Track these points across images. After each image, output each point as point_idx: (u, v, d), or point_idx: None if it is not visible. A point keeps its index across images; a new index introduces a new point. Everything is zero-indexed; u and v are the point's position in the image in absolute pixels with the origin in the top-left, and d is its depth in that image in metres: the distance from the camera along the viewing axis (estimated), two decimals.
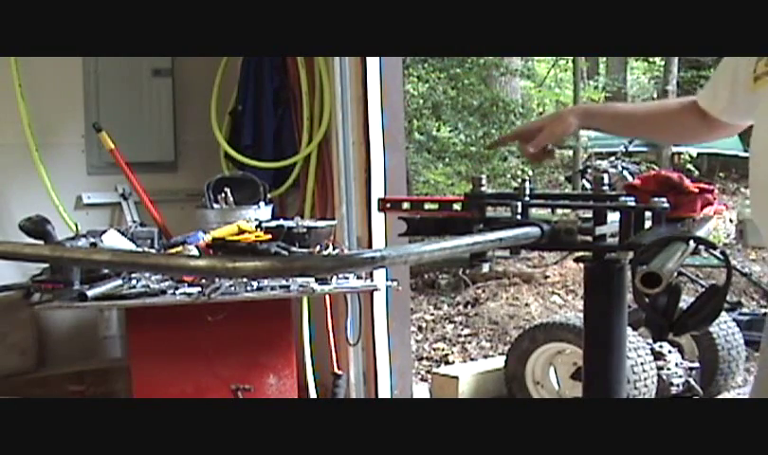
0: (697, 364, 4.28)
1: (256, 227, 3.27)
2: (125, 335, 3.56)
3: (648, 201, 1.57)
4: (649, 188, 1.63)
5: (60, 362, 3.81)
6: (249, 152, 4.00)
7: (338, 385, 3.69)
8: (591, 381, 1.70)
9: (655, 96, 13.27)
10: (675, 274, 1.30)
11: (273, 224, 3.36)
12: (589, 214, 1.60)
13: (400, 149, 3.90)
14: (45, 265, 2.96)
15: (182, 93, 4.16)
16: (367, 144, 3.62)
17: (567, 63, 12.97)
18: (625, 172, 7.77)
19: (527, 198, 1.62)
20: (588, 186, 7.63)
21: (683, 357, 4.25)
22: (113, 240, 3.24)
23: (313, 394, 3.77)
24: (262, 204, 3.70)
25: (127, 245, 3.31)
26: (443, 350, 5.71)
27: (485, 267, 6.51)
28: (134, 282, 2.94)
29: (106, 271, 2.87)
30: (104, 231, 3.35)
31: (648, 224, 1.56)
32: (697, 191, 1.64)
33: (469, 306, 6.53)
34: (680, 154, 10.70)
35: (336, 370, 3.72)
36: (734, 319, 4.64)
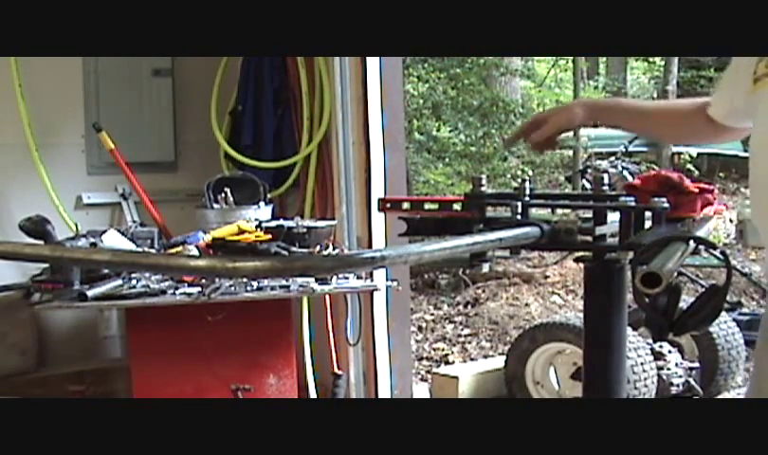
0: (697, 364, 4.28)
1: (256, 227, 3.27)
2: (125, 335, 3.57)
3: (648, 201, 1.57)
4: (649, 188, 1.63)
5: (60, 362, 3.81)
6: (249, 152, 4.00)
7: (338, 385, 3.69)
8: (591, 381, 1.70)
9: (655, 96, 13.26)
10: (675, 274, 1.30)
11: (273, 224, 3.36)
12: (589, 214, 1.60)
13: (400, 149, 3.90)
14: (45, 265, 2.96)
15: (182, 93, 4.16)
16: (367, 144, 3.62)
17: (567, 63, 12.97)
18: (625, 173, 7.78)
19: (527, 198, 1.61)
20: (588, 186, 7.63)
21: (683, 357, 4.25)
22: (113, 240, 3.24)
23: (313, 394, 3.77)
24: (262, 204, 3.70)
25: (127, 245, 3.31)
26: (443, 350, 5.71)
27: (485, 267, 6.51)
28: (134, 282, 2.94)
29: (106, 271, 2.87)
30: (104, 231, 3.35)
31: (648, 224, 1.56)
32: (697, 191, 1.64)
33: (469, 306, 6.53)
34: (680, 154, 10.69)
35: (336, 370, 3.72)
36: (734, 319, 4.63)
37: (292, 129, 4.02)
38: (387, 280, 3.42)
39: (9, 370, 3.61)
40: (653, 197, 1.56)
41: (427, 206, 1.71)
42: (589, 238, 1.55)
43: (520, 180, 1.79)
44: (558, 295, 6.72)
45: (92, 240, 3.10)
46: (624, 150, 8.51)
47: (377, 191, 3.60)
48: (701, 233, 1.55)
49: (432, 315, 6.44)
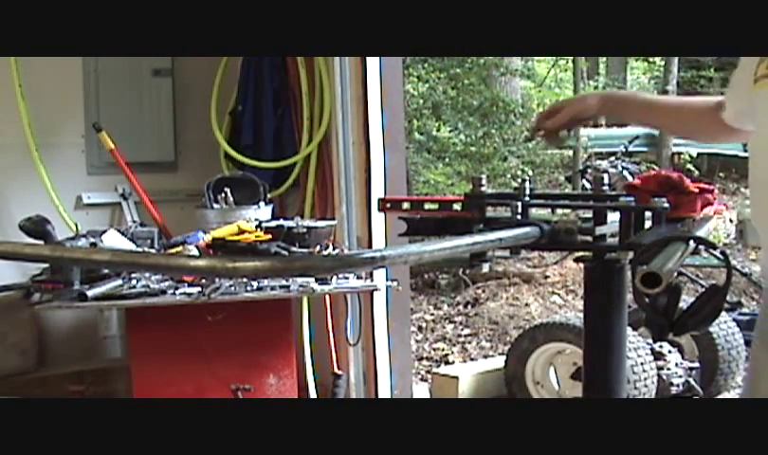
0: (697, 364, 4.28)
1: (256, 227, 3.27)
2: (125, 335, 3.57)
3: (648, 201, 1.57)
4: (649, 188, 1.63)
5: (60, 362, 3.81)
6: (249, 152, 4.00)
7: (338, 385, 3.69)
8: (591, 381, 1.70)
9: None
10: (675, 274, 1.30)
11: (273, 224, 3.36)
12: (589, 214, 1.60)
13: (400, 149, 3.90)
14: (45, 265, 2.96)
15: (182, 93, 4.16)
16: (367, 144, 3.62)
17: (567, 63, 12.97)
18: (625, 172, 7.78)
19: (527, 198, 1.62)
20: (588, 186, 7.63)
21: (683, 357, 4.25)
22: (113, 240, 3.24)
23: (313, 394, 3.77)
24: (262, 204, 3.70)
25: (127, 245, 3.31)
26: (443, 350, 5.71)
27: (485, 267, 6.51)
28: (134, 282, 2.94)
29: (106, 271, 2.87)
30: (104, 231, 3.35)
31: (648, 224, 1.56)
32: (697, 191, 1.64)
33: (469, 306, 6.53)
34: (680, 154, 10.69)
35: (336, 370, 3.72)
36: (734, 319, 4.63)
37: (292, 129, 4.02)
38: (387, 280, 3.42)
39: (9, 370, 3.61)
40: (653, 197, 1.56)
41: (427, 206, 1.71)
42: (589, 238, 1.55)
43: (520, 180, 1.80)
44: (558, 295, 6.72)
45: (92, 240, 3.10)
46: (624, 150, 8.51)
47: (377, 191, 3.60)
48: (701, 233, 1.55)
49: (432, 315, 6.44)
